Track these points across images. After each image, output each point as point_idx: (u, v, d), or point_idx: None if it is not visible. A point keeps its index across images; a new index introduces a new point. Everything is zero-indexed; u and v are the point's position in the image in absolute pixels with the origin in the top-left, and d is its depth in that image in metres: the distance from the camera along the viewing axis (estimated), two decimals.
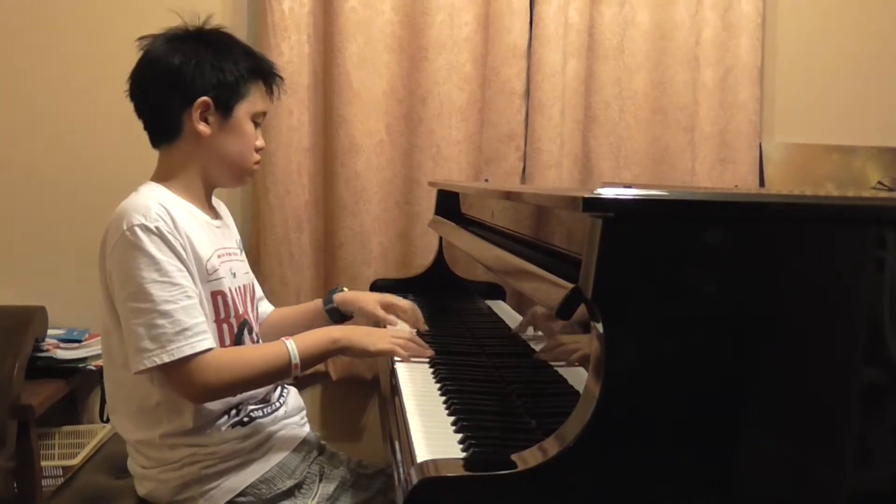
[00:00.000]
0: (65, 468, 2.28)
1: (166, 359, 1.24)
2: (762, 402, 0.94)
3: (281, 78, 1.49)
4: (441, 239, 2.25)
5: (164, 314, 1.24)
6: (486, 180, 2.50)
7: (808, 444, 0.95)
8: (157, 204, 1.31)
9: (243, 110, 1.41)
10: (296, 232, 2.45)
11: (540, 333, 1.38)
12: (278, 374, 1.36)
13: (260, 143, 1.46)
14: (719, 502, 0.93)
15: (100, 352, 2.34)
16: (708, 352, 0.93)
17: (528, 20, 2.50)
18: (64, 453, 2.38)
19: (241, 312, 1.43)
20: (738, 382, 0.93)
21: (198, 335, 1.27)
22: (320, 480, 1.45)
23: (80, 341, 2.37)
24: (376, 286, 2.24)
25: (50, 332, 2.38)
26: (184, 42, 1.40)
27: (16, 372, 2.10)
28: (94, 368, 2.35)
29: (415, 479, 0.88)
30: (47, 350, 2.31)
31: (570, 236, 1.13)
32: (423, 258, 2.44)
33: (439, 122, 2.48)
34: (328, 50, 2.46)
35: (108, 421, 2.47)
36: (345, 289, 1.75)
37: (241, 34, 2.49)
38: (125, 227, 1.27)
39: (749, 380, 0.93)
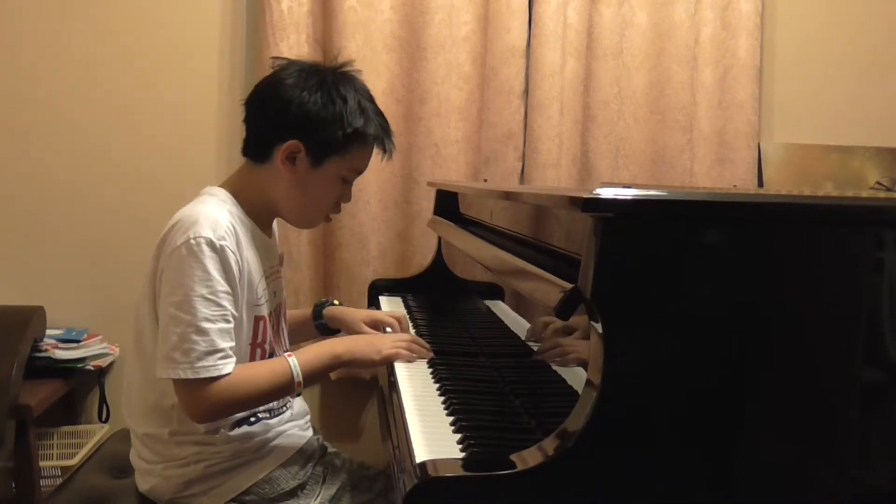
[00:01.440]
0: (63, 468, 2.28)
1: (190, 375, 1.24)
2: (761, 401, 0.94)
3: (392, 143, 1.46)
4: (440, 239, 2.25)
5: (201, 331, 1.25)
6: (485, 180, 2.50)
7: (807, 443, 0.95)
8: (227, 220, 1.31)
9: (336, 166, 1.40)
10: (295, 232, 2.45)
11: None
12: (282, 391, 1.37)
13: (346, 198, 1.46)
14: (719, 502, 0.94)
15: (98, 352, 2.38)
16: (706, 351, 0.93)
17: (527, 20, 2.50)
18: (62, 453, 2.37)
19: (273, 339, 1.45)
20: (736, 382, 0.93)
21: (225, 359, 1.27)
22: (323, 482, 1.46)
23: (78, 341, 2.37)
24: (375, 286, 2.24)
25: (48, 332, 2.38)
26: (306, 79, 1.37)
27: (14, 372, 2.10)
28: (92, 369, 2.36)
29: (414, 480, 0.88)
30: (46, 350, 2.30)
31: (569, 236, 1.13)
32: (422, 258, 2.44)
33: (438, 121, 2.48)
34: (327, 49, 2.45)
35: (106, 421, 2.47)
36: (336, 301, 1.76)
37: (240, 34, 2.50)
38: (192, 236, 1.26)
39: (748, 380, 0.93)
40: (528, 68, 2.52)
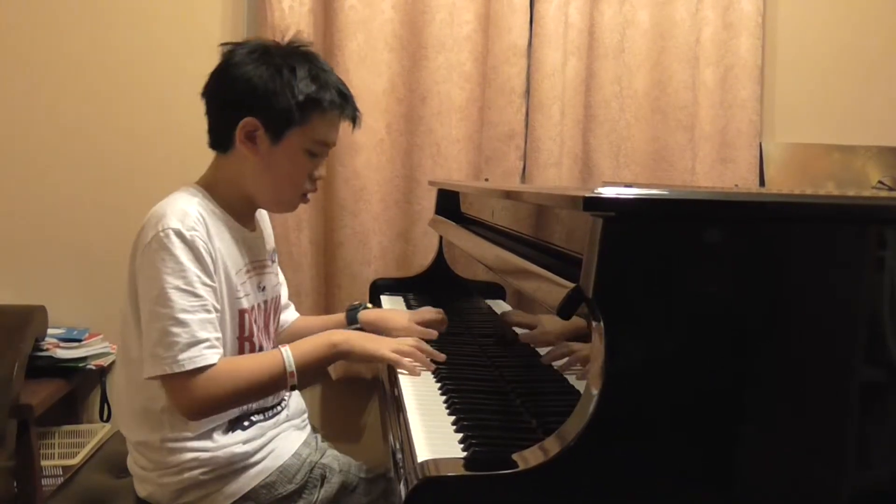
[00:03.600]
0: (65, 468, 2.28)
1: (176, 369, 1.23)
2: (762, 401, 0.94)
3: (355, 109, 1.43)
4: (441, 238, 2.25)
5: (181, 323, 1.23)
6: (486, 179, 2.50)
7: (808, 443, 0.95)
8: (196, 211, 1.30)
9: (297, 138, 1.36)
10: (295, 231, 2.45)
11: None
12: (274, 384, 1.35)
13: (319, 172, 1.42)
14: (719, 502, 0.93)
15: (100, 351, 2.38)
16: (708, 351, 0.93)
17: (529, 19, 2.50)
18: (64, 453, 2.38)
19: (261, 331, 1.43)
20: (738, 382, 0.93)
21: (210, 349, 1.26)
22: (321, 486, 1.44)
23: (79, 341, 2.37)
24: (376, 286, 2.24)
25: (50, 331, 2.38)
26: (254, 58, 1.36)
27: (16, 371, 2.10)
28: (93, 368, 2.36)
29: (415, 479, 0.88)
30: (47, 349, 2.31)
31: (571, 236, 1.13)
32: (423, 258, 2.44)
33: (439, 120, 2.48)
34: (328, 48, 2.46)
35: (108, 420, 2.48)
36: (368, 305, 1.73)
37: (240, 33, 2.50)
38: (160, 229, 1.26)
39: (749, 379, 0.93)
40: (529, 68, 2.52)
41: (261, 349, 1.43)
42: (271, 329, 1.50)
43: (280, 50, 1.39)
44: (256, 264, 1.45)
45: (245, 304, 1.39)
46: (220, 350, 1.28)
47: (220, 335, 1.29)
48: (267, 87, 1.33)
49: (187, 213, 1.28)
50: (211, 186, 1.40)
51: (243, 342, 1.38)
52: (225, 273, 1.34)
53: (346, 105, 1.41)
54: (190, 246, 1.26)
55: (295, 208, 1.48)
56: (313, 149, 1.39)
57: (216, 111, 1.40)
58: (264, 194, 1.42)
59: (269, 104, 1.34)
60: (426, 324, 1.64)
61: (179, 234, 1.25)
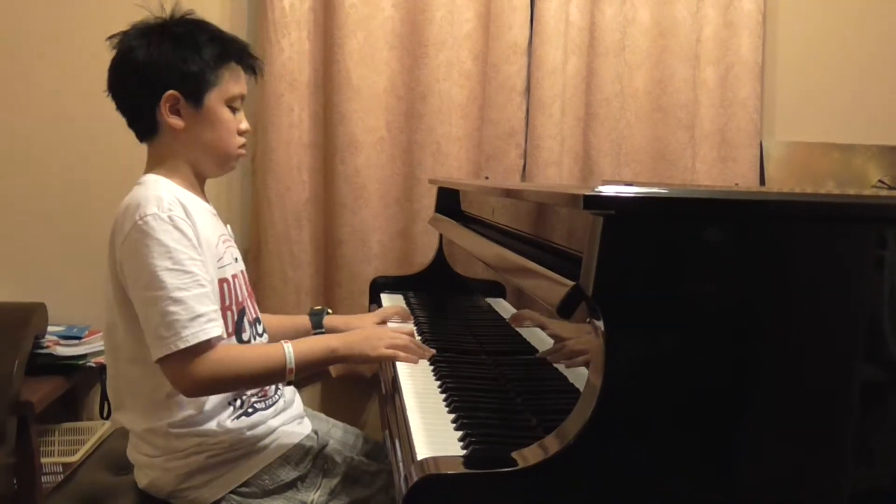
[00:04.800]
0: (65, 465, 2.29)
1: (181, 345, 1.24)
2: (762, 399, 0.94)
3: (254, 58, 1.47)
4: (441, 236, 2.25)
5: (177, 301, 1.25)
6: (487, 178, 2.50)
7: (808, 441, 0.95)
8: (167, 193, 1.32)
9: (215, 98, 1.40)
10: (296, 229, 2.45)
11: (534, 326, 1.38)
12: (273, 376, 1.37)
13: (243, 126, 1.46)
14: (719, 500, 0.94)
15: (100, 348, 2.38)
16: (708, 349, 0.93)
17: (529, 17, 2.50)
18: (64, 450, 2.38)
19: (241, 299, 1.45)
20: (737, 380, 0.93)
21: (210, 322, 1.27)
22: (323, 475, 1.46)
23: (79, 338, 2.37)
24: (376, 284, 2.24)
25: (50, 328, 2.38)
26: (148, 36, 1.39)
27: (16, 368, 2.10)
28: (93, 365, 2.36)
29: (415, 477, 0.88)
30: (47, 347, 2.31)
31: (571, 234, 1.13)
32: (424, 256, 2.44)
33: (439, 119, 2.47)
34: (328, 46, 2.46)
35: (107, 417, 2.47)
36: (329, 311, 1.77)
37: (241, 31, 2.50)
38: (138, 218, 1.27)
39: (749, 378, 0.93)
40: (529, 66, 2.52)
41: (242, 314, 1.44)
42: (248, 300, 1.51)
43: (171, 22, 1.42)
44: (225, 237, 1.47)
45: (225, 273, 1.41)
46: (219, 322, 1.30)
47: (217, 307, 1.32)
48: (177, 58, 1.37)
49: (160, 196, 1.30)
50: (161, 172, 1.41)
51: (225, 312, 1.40)
52: (207, 245, 1.36)
53: (247, 57, 1.45)
54: (171, 226, 1.28)
55: (234, 166, 1.50)
56: (232, 104, 1.43)
57: (133, 101, 1.41)
58: (205, 159, 1.44)
59: (183, 72, 1.37)
60: (387, 317, 1.77)
61: (158, 218, 1.27)
